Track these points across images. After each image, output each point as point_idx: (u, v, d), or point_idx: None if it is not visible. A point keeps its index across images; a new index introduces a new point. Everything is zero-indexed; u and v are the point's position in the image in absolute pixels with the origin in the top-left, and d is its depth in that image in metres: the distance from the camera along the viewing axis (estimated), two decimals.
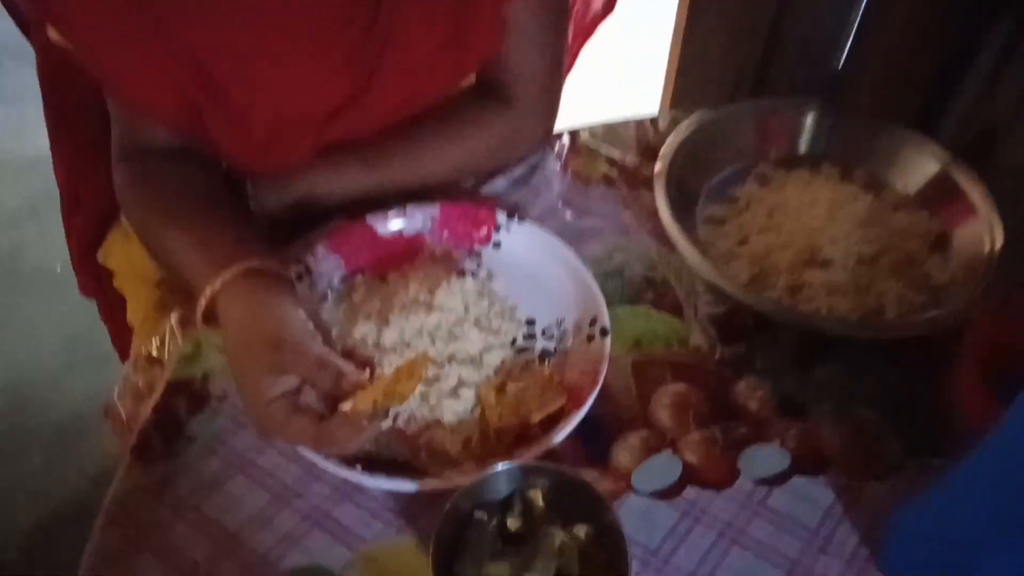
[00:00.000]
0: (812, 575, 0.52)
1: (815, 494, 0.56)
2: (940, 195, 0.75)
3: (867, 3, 1.02)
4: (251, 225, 0.66)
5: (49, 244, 0.89)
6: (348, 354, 0.59)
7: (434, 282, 0.63)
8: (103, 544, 0.54)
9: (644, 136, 0.86)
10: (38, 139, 0.83)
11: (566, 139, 0.85)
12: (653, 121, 0.88)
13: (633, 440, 0.59)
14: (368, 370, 0.57)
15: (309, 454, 0.54)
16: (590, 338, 0.63)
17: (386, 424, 0.57)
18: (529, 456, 0.54)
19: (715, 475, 0.57)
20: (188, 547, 0.53)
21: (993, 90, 0.88)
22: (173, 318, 0.67)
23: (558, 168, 0.83)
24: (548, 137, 0.82)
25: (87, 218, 0.86)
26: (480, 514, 0.49)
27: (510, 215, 0.71)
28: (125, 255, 0.83)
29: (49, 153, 0.86)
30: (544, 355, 0.63)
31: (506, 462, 0.49)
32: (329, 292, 0.67)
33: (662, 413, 0.61)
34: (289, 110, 0.68)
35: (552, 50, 0.73)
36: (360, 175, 0.72)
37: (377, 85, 0.67)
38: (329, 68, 0.66)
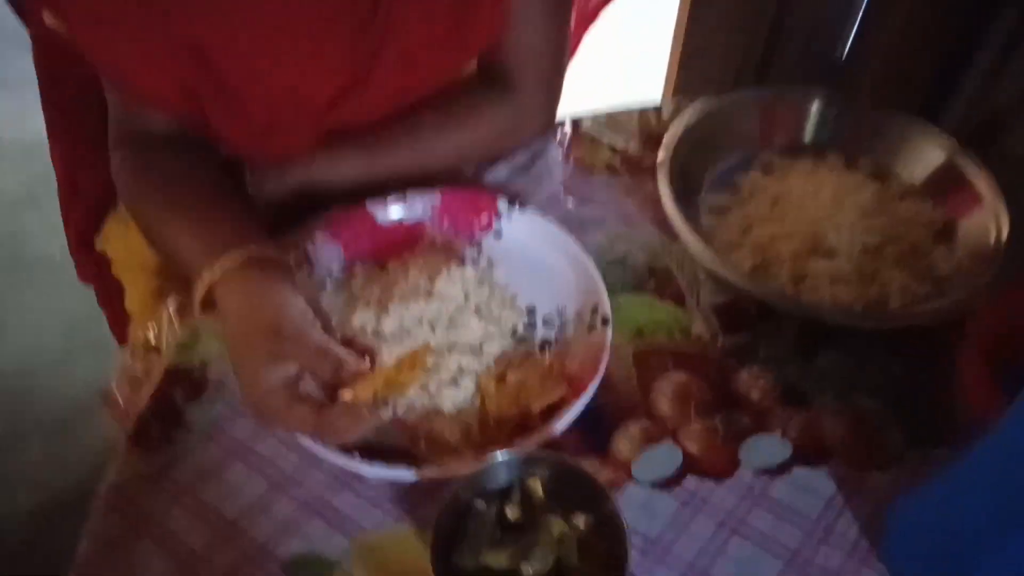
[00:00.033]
0: (812, 566, 0.52)
1: (816, 484, 0.56)
2: (946, 184, 0.75)
3: None
4: (250, 212, 0.65)
5: (49, 230, 0.89)
6: (348, 343, 0.58)
7: (434, 270, 0.63)
8: (101, 531, 0.54)
9: (647, 124, 0.86)
10: (38, 125, 0.82)
11: (568, 127, 0.85)
12: (656, 109, 0.87)
13: (634, 430, 0.59)
14: (368, 359, 0.57)
15: (308, 442, 0.53)
16: (591, 327, 0.62)
17: (387, 414, 0.56)
18: (529, 445, 0.54)
19: (716, 465, 0.57)
20: (186, 534, 0.53)
21: (999, 79, 0.87)
22: (170, 305, 0.66)
23: (560, 156, 0.82)
24: (550, 125, 0.81)
25: (85, 205, 0.85)
26: (479, 503, 0.48)
27: (511, 203, 0.70)
28: (123, 242, 0.83)
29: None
30: (545, 344, 0.63)
31: (506, 451, 0.49)
32: (328, 280, 0.66)
33: (663, 403, 0.61)
34: (289, 98, 0.67)
35: (555, 37, 0.72)
36: (360, 162, 0.71)
37: (378, 73, 0.67)
38: (330, 56, 0.65)
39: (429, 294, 0.61)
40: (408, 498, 0.55)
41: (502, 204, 0.70)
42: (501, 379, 0.58)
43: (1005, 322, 0.58)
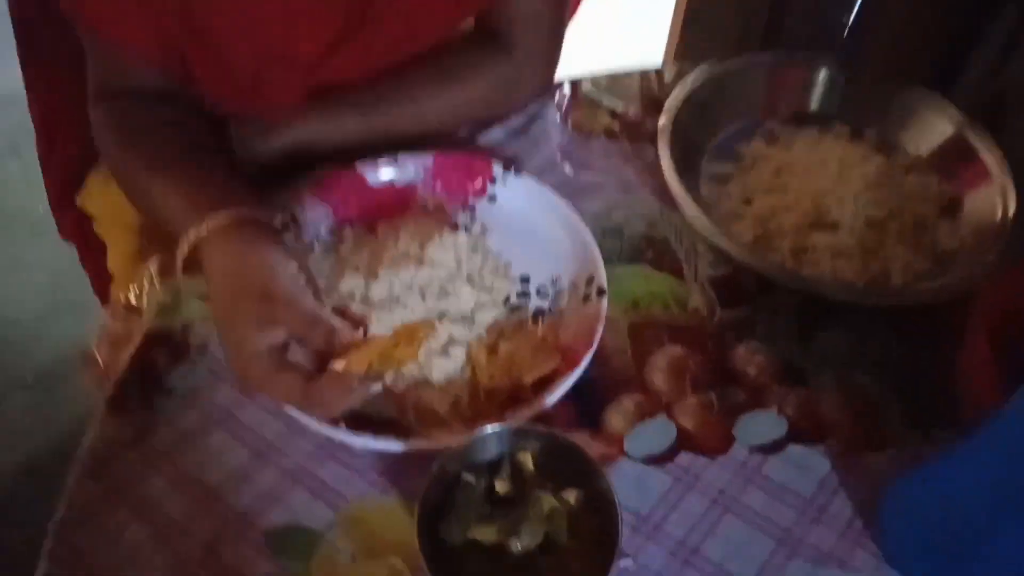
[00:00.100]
0: (805, 545, 0.51)
1: (811, 463, 0.55)
2: (953, 158, 0.73)
3: None
4: (238, 172, 0.63)
5: (31, 182, 0.86)
6: (340, 312, 0.56)
7: (425, 235, 0.61)
8: (78, 497, 0.52)
9: (648, 88, 0.83)
10: (18, 73, 0.79)
11: (567, 89, 0.82)
12: (658, 73, 0.84)
13: (627, 404, 0.58)
14: (362, 330, 0.55)
15: (293, 411, 0.52)
16: (586, 298, 0.60)
17: (376, 388, 0.54)
18: (520, 418, 0.52)
19: (710, 441, 0.56)
20: (165, 502, 0.52)
21: (1013, 50, 0.85)
22: (152, 266, 0.64)
23: (558, 119, 0.79)
24: (549, 85, 0.79)
25: (65, 161, 0.82)
26: (468, 476, 0.47)
27: (507, 167, 0.68)
28: (105, 199, 0.80)
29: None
30: (538, 314, 0.61)
31: (496, 424, 0.48)
32: (316, 242, 0.64)
33: (658, 376, 0.59)
34: (277, 52, 0.64)
35: None
36: (351, 120, 0.69)
37: (370, 25, 0.64)
38: (320, 7, 0.62)
39: (420, 260, 0.59)
40: (395, 469, 0.54)
41: (497, 168, 0.68)
42: (492, 350, 0.57)
43: (1010, 302, 0.57)
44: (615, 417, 0.57)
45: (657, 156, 0.70)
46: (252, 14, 0.61)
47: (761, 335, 0.62)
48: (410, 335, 0.53)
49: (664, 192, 0.69)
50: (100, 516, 0.51)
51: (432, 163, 0.68)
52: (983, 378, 0.54)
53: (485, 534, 0.45)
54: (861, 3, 1.02)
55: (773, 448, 0.56)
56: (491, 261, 0.63)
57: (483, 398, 0.56)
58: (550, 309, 0.62)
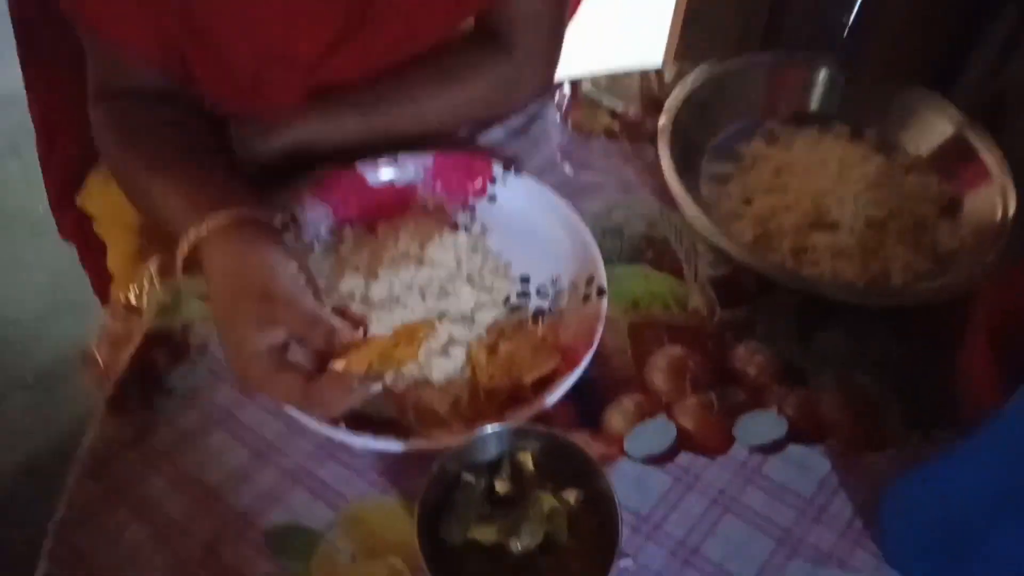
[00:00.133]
0: (804, 545, 0.51)
1: (811, 463, 0.55)
2: (953, 158, 0.73)
3: None
4: (238, 172, 0.63)
5: (31, 182, 0.86)
6: (340, 312, 0.56)
7: (425, 235, 0.61)
8: (78, 497, 0.52)
9: (648, 88, 0.83)
10: (18, 72, 0.79)
11: (567, 89, 0.82)
12: (658, 72, 0.84)
13: (627, 404, 0.58)
14: (362, 330, 0.55)
15: (293, 411, 0.52)
16: (586, 298, 0.60)
17: (376, 388, 0.54)
18: (520, 418, 0.52)
19: (710, 441, 0.56)
20: (165, 502, 0.52)
21: (1013, 50, 0.85)
22: (152, 266, 0.64)
23: (558, 119, 0.79)
24: (549, 85, 0.79)
25: (65, 159, 0.82)
26: (468, 476, 0.47)
27: (507, 167, 0.68)
28: (105, 200, 0.80)
29: None
30: (538, 314, 0.61)
31: (496, 424, 0.48)
32: (316, 242, 0.64)
33: (658, 376, 0.59)
34: (276, 50, 0.64)
35: None
36: (351, 120, 0.68)
37: (370, 25, 0.64)
38: (321, 7, 0.62)
39: (420, 260, 0.59)
40: (395, 469, 0.54)
41: (497, 168, 0.68)
42: (492, 349, 0.57)
43: (1010, 302, 0.57)
44: (615, 417, 0.57)
45: (657, 156, 0.70)
46: (252, 14, 0.61)
47: (761, 335, 0.62)
48: (410, 335, 0.53)
49: (664, 192, 0.69)
50: (100, 516, 0.51)
51: (432, 163, 0.68)
52: (983, 378, 0.54)
53: (485, 534, 0.45)
54: (861, 3, 1.02)
55: (773, 448, 0.56)
56: (491, 261, 0.63)
57: (483, 398, 0.56)
58: (550, 309, 0.62)
